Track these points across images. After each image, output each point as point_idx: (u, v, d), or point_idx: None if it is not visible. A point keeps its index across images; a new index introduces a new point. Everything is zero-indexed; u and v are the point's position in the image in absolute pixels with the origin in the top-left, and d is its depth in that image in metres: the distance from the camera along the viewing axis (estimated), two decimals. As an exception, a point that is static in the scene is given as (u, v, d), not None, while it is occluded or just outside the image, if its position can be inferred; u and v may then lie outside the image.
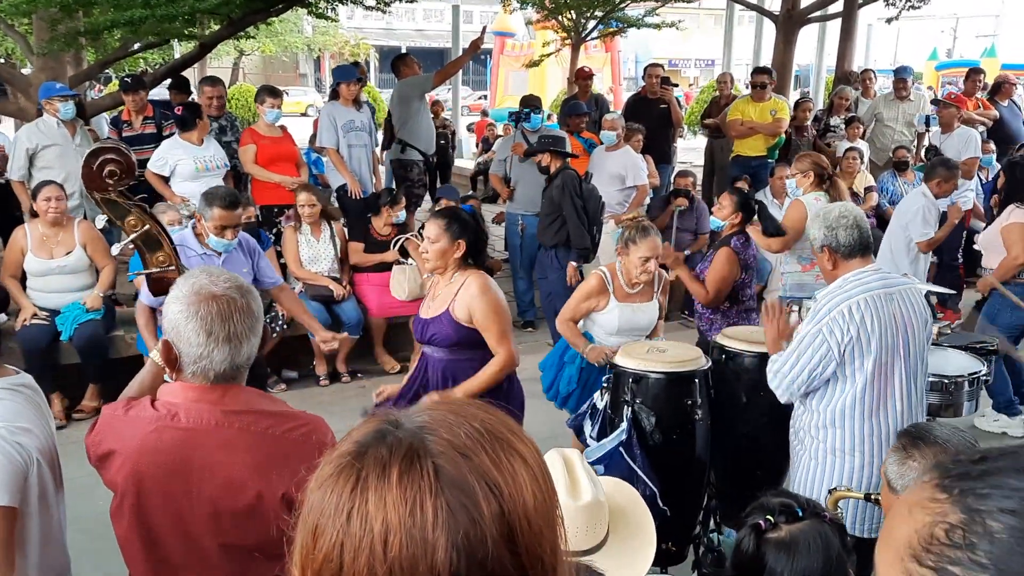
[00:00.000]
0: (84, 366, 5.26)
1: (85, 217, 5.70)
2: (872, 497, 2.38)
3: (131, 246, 2.33)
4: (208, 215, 3.90)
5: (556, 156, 5.91)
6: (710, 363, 3.44)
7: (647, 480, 3.13)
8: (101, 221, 2.43)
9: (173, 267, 2.32)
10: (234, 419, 1.75)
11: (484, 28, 7.76)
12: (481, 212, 7.32)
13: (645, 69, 9.09)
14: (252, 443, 1.75)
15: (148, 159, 6.08)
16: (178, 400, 1.76)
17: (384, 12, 8.76)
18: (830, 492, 2.50)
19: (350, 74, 6.75)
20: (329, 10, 8.44)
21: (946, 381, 3.50)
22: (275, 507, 1.74)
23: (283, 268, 5.89)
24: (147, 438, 1.74)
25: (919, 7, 10.94)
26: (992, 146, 7.90)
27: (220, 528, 1.75)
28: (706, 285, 4.33)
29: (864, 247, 2.94)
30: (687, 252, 6.46)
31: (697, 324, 4.69)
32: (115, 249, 2.55)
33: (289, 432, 1.79)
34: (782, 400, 2.98)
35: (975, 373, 3.58)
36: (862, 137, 8.35)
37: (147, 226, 2.30)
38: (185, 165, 5.90)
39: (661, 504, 3.12)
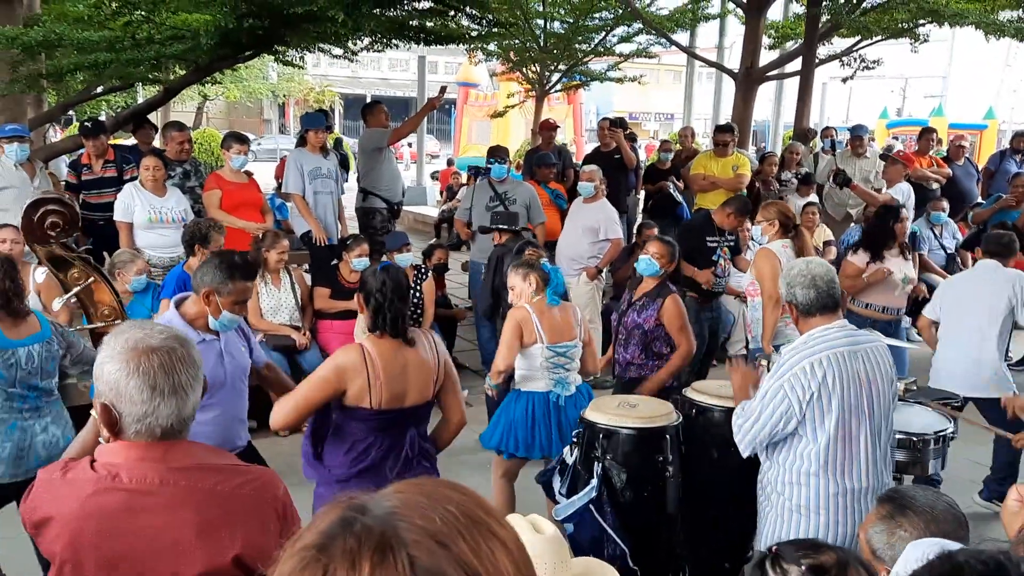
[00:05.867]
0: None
1: (40, 263, 5.54)
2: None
3: (74, 300, 2.25)
4: (226, 290, 3.10)
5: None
6: (680, 418, 3.42)
7: (617, 539, 3.07)
8: (41, 274, 2.35)
9: (119, 320, 2.24)
10: (180, 476, 1.66)
11: (443, 88, 7.82)
12: (447, 261, 7.29)
13: (598, 124, 9.17)
14: (200, 501, 1.66)
15: (109, 203, 5.94)
16: (119, 460, 1.66)
17: (351, 61, 8.80)
18: None
19: (318, 121, 6.73)
20: (297, 58, 8.45)
21: (914, 439, 3.49)
22: (227, 571, 1.65)
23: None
24: (87, 502, 1.63)
25: (873, 67, 11.29)
26: (945, 204, 8.12)
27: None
28: (682, 336, 4.20)
29: (823, 305, 2.91)
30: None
31: (619, 372, 4.42)
32: (56, 304, 2.45)
33: (239, 488, 1.70)
34: (744, 454, 2.95)
35: (941, 431, 3.57)
36: (816, 193, 8.58)
37: (91, 279, 2.22)
38: (139, 214, 5.73)
39: (631, 564, 3.06)
